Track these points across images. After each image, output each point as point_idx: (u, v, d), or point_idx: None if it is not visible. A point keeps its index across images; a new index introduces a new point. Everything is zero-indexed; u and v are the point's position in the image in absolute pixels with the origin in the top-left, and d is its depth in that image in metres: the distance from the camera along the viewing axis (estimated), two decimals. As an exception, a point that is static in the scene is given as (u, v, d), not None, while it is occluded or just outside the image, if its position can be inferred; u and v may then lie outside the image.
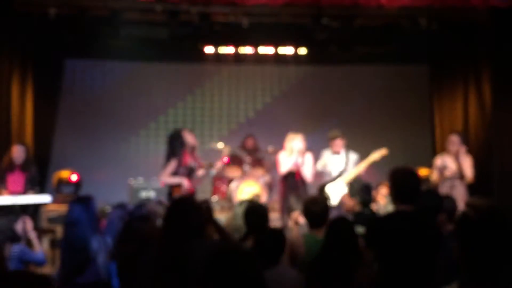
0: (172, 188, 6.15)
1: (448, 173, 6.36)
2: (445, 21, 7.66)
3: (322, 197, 4.05)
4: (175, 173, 6.07)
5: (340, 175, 6.71)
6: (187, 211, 3.06)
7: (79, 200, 4.14)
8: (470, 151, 8.00)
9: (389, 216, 3.44)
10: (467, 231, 1.83)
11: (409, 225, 3.09)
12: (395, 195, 3.26)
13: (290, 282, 3.11)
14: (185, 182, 6.06)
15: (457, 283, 1.84)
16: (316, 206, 3.84)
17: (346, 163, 6.76)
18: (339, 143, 6.77)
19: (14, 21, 7.65)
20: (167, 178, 6.08)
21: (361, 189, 5.12)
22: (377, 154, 6.69)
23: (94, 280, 3.91)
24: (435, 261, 3.05)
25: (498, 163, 7.83)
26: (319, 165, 6.88)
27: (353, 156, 6.85)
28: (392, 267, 3.04)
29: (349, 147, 6.96)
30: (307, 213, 3.91)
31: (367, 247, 3.21)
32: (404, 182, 3.21)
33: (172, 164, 6.03)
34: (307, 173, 6.55)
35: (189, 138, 6.22)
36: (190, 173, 6.17)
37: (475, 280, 1.77)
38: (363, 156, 6.93)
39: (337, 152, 6.81)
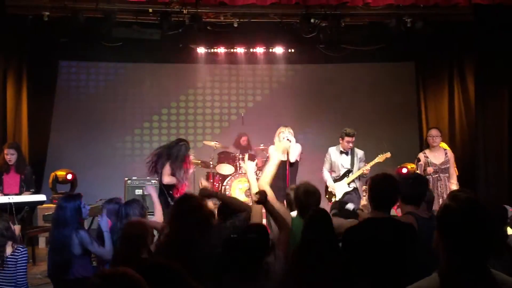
0: (170, 187, 6.34)
1: (429, 171, 6.49)
2: (430, 19, 7.83)
3: (315, 189, 4.08)
4: (172, 175, 6.30)
5: (346, 174, 6.73)
6: (195, 208, 3.14)
7: (70, 198, 4.24)
8: (455, 144, 8.22)
9: (363, 224, 3.45)
10: (448, 221, 1.87)
11: (382, 233, 3.14)
12: (372, 201, 3.33)
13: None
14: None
15: (436, 273, 1.88)
16: (312, 198, 3.89)
17: (353, 161, 6.76)
18: (351, 140, 6.71)
19: (8, 23, 7.74)
20: (168, 178, 6.29)
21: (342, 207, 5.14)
22: (381, 158, 6.74)
23: (81, 277, 4.03)
24: (408, 265, 3.09)
25: (483, 155, 8.03)
26: (326, 167, 6.86)
27: (359, 153, 6.84)
28: (368, 272, 3.06)
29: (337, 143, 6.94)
30: (300, 202, 3.93)
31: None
32: (380, 190, 3.26)
33: (171, 167, 6.27)
34: (291, 157, 6.57)
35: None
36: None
37: (454, 269, 1.82)
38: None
39: (345, 150, 6.79)
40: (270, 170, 4.06)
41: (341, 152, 6.82)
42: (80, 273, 4.01)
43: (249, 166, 4.02)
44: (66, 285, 3.98)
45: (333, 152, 6.88)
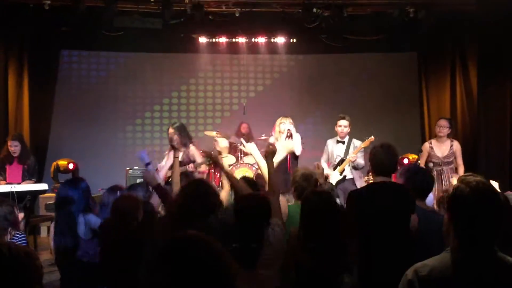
0: None
1: (433, 161, 6.48)
2: (433, 9, 7.79)
3: (313, 174, 4.15)
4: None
5: (339, 163, 6.63)
6: (205, 191, 3.16)
7: (68, 182, 4.24)
8: (457, 135, 8.21)
9: (367, 186, 3.68)
10: (459, 203, 1.93)
11: (385, 192, 3.32)
12: (373, 168, 3.51)
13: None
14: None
15: (446, 252, 1.94)
16: (308, 183, 3.99)
17: (347, 150, 6.65)
18: (343, 124, 6.62)
19: (9, 12, 7.72)
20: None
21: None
22: (365, 143, 6.55)
23: (88, 261, 4.03)
24: (409, 229, 3.25)
25: (484, 146, 8.03)
26: (324, 157, 6.83)
27: (357, 143, 6.68)
28: (373, 232, 3.23)
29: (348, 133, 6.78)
30: (296, 187, 4.05)
31: (348, 217, 3.35)
32: (380, 156, 3.43)
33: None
34: (296, 149, 6.62)
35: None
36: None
37: (464, 250, 1.88)
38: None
39: (341, 138, 6.71)
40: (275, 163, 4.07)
41: (338, 142, 6.76)
42: (88, 257, 4.00)
43: (251, 146, 4.07)
44: (74, 269, 3.97)
45: (330, 143, 6.86)
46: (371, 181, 3.65)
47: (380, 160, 3.44)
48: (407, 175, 3.78)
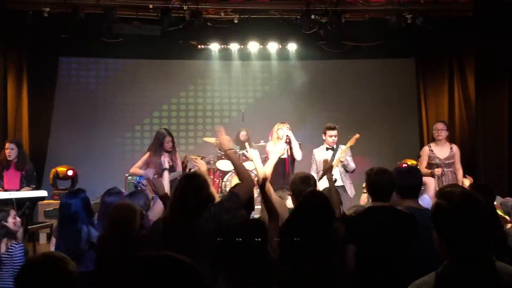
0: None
1: (437, 172, 6.43)
2: (430, 15, 7.83)
3: (311, 176, 4.15)
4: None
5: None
6: (200, 185, 3.15)
7: (72, 194, 4.11)
8: (455, 140, 8.23)
9: (365, 212, 3.64)
10: (441, 219, 1.92)
11: (384, 218, 3.33)
12: (371, 193, 3.56)
13: None
14: (150, 173, 6.16)
15: (438, 271, 1.91)
16: (306, 185, 3.96)
17: (334, 156, 6.54)
18: (334, 134, 6.56)
19: (8, 19, 7.74)
20: (133, 169, 6.33)
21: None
22: (351, 141, 6.50)
23: (88, 270, 3.97)
24: (410, 250, 3.25)
25: (483, 151, 8.04)
26: (313, 168, 6.70)
27: (343, 147, 6.57)
28: (370, 257, 3.24)
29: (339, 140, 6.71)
30: (295, 192, 3.98)
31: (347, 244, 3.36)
32: (377, 182, 3.46)
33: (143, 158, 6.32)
34: (296, 155, 6.59)
35: (165, 143, 6.31)
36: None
37: (455, 266, 1.85)
38: (352, 148, 6.84)
39: (330, 146, 6.63)
40: (269, 167, 4.07)
41: (327, 149, 6.66)
42: (88, 267, 3.94)
43: (253, 153, 4.05)
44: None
45: (317, 152, 6.72)
46: (370, 206, 3.62)
47: (376, 186, 3.47)
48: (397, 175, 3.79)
